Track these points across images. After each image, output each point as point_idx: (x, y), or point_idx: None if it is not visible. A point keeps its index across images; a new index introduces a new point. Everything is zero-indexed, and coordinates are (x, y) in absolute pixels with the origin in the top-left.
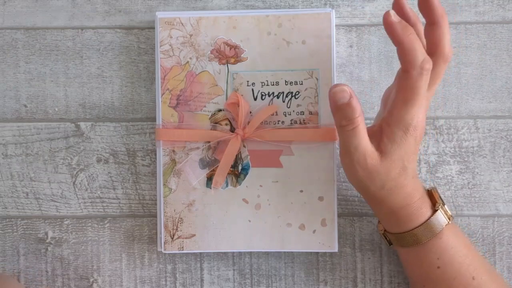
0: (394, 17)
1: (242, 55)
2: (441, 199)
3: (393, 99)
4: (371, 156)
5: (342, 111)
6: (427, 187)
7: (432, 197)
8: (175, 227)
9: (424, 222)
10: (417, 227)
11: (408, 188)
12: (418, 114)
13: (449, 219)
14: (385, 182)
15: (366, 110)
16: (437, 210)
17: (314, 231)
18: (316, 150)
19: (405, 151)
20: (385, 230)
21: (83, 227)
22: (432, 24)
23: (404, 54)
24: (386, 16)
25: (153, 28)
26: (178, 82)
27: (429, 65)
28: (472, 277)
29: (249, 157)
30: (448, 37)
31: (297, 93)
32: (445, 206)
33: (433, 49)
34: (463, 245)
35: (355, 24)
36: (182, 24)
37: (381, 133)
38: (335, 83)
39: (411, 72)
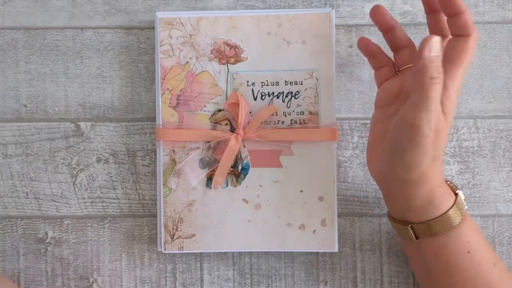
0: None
1: (242, 55)
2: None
3: (450, 64)
4: (440, 113)
5: (435, 62)
6: None
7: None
8: (175, 227)
9: (454, 204)
10: (449, 209)
11: (440, 164)
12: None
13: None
14: (439, 149)
15: (367, 110)
16: (457, 193)
17: (314, 231)
18: (316, 150)
19: (453, 114)
20: (411, 224)
21: (83, 227)
22: (459, 13)
23: (466, 21)
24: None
25: (153, 28)
26: (178, 82)
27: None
28: (494, 263)
29: (249, 157)
30: (465, 13)
31: (297, 93)
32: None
33: (470, 31)
34: (480, 229)
35: (355, 24)
36: (182, 24)
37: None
38: (335, 83)
39: (471, 35)
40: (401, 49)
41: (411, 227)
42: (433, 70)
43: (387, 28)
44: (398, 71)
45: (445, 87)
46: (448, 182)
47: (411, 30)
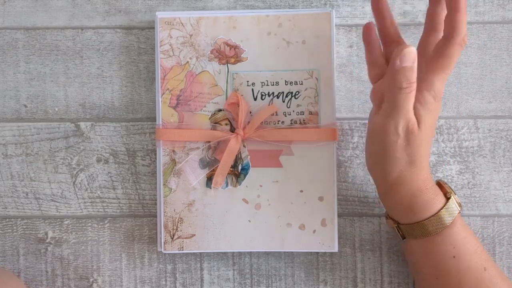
0: None
1: (242, 55)
2: (450, 188)
3: (427, 67)
4: (412, 121)
5: (406, 72)
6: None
7: (442, 187)
8: (175, 227)
9: (440, 209)
10: (434, 215)
11: (426, 169)
12: (443, 84)
13: (460, 207)
14: (416, 155)
15: (366, 110)
16: (449, 198)
17: (314, 231)
18: (316, 150)
19: (432, 120)
20: (398, 224)
21: (83, 227)
22: (454, 11)
23: (456, 21)
24: None
25: (153, 28)
26: (178, 82)
27: (466, 41)
28: (484, 268)
29: (249, 157)
30: (465, 23)
31: (297, 93)
32: (456, 195)
33: (455, 33)
34: (472, 235)
35: (355, 24)
36: (182, 24)
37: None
38: (335, 83)
39: (455, 40)
40: (391, 44)
41: (398, 227)
42: (402, 80)
43: (383, 17)
44: None
45: (420, 91)
46: (445, 186)
47: (411, 30)
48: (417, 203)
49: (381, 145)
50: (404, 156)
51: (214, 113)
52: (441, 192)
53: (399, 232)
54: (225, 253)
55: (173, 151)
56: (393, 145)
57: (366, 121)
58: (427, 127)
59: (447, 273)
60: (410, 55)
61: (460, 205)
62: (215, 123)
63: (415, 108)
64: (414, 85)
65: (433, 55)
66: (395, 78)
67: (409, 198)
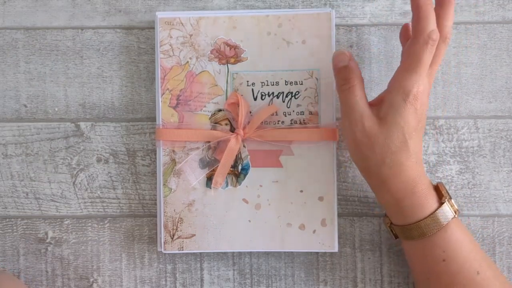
0: None
1: (242, 55)
2: (447, 193)
3: (399, 68)
4: (368, 118)
5: (341, 72)
6: (434, 183)
7: (439, 191)
8: (175, 227)
9: (430, 215)
10: (422, 220)
11: (411, 171)
12: (419, 84)
13: (455, 213)
14: (385, 154)
15: None
16: (443, 203)
17: (314, 231)
18: (316, 150)
19: (405, 121)
20: (391, 223)
21: (83, 227)
22: (440, 5)
23: (417, 20)
24: None
25: (153, 28)
26: (178, 82)
27: (436, 36)
28: (477, 272)
29: (249, 157)
30: (450, 21)
31: (297, 93)
32: (452, 200)
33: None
34: (468, 240)
35: (355, 24)
36: (182, 24)
37: (382, 101)
38: (335, 83)
39: (418, 39)
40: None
41: (390, 226)
42: (338, 79)
43: None
44: None
45: (389, 91)
46: (442, 190)
47: None
48: (404, 206)
49: (348, 143)
50: (371, 154)
51: (214, 113)
52: (435, 197)
53: (392, 231)
54: (225, 253)
55: (173, 151)
56: (356, 141)
57: None
58: (392, 127)
59: (437, 276)
60: (341, 56)
61: (456, 211)
62: (215, 123)
63: (381, 108)
64: (354, 80)
65: (403, 55)
66: (335, 80)
67: (395, 201)
